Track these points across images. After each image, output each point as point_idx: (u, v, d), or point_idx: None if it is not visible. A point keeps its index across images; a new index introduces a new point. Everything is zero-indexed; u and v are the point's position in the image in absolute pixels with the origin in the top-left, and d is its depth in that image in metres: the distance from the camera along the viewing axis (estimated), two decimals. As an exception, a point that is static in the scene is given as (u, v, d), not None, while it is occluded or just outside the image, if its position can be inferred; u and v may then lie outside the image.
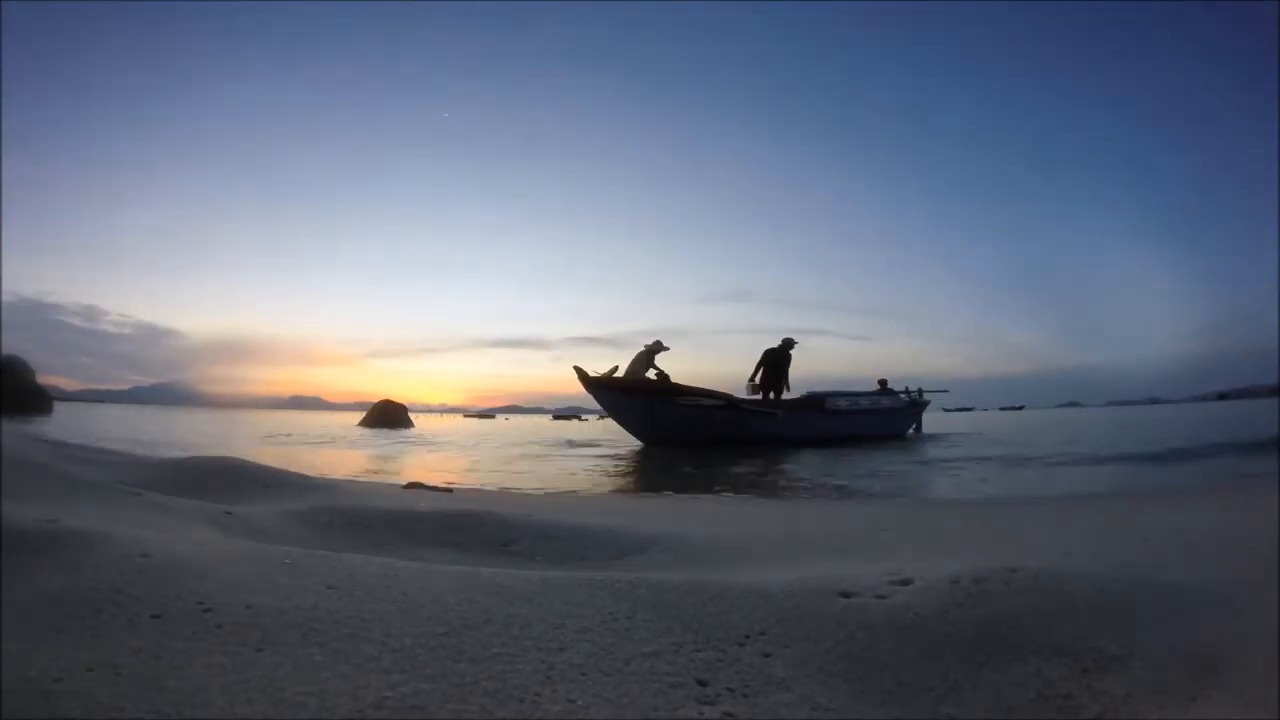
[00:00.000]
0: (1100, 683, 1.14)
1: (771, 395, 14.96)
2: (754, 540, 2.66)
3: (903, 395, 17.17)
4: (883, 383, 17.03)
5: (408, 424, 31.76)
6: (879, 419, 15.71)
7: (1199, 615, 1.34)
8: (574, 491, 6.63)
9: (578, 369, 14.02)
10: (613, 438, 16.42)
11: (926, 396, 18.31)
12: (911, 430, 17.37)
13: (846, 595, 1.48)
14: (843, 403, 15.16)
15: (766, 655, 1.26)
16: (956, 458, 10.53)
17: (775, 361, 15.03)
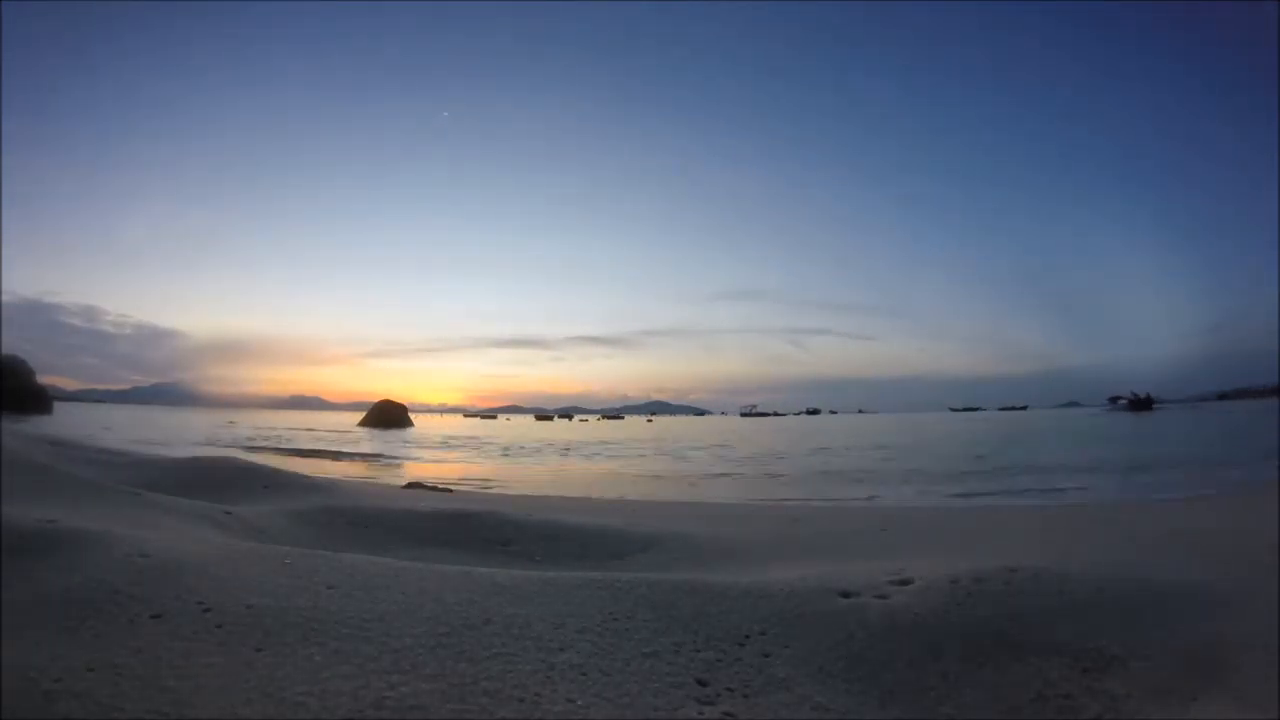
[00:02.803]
0: (1100, 683, 1.15)
1: None
2: (754, 540, 2.66)
3: None
4: None
5: (407, 424, 31.77)
6: None
7: (1199, 615, 1.34)
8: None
9: None
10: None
11: None
12: None
13: (846, 595, 1.48)
14: None
15: (766, 655, 1.26)
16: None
17: None
